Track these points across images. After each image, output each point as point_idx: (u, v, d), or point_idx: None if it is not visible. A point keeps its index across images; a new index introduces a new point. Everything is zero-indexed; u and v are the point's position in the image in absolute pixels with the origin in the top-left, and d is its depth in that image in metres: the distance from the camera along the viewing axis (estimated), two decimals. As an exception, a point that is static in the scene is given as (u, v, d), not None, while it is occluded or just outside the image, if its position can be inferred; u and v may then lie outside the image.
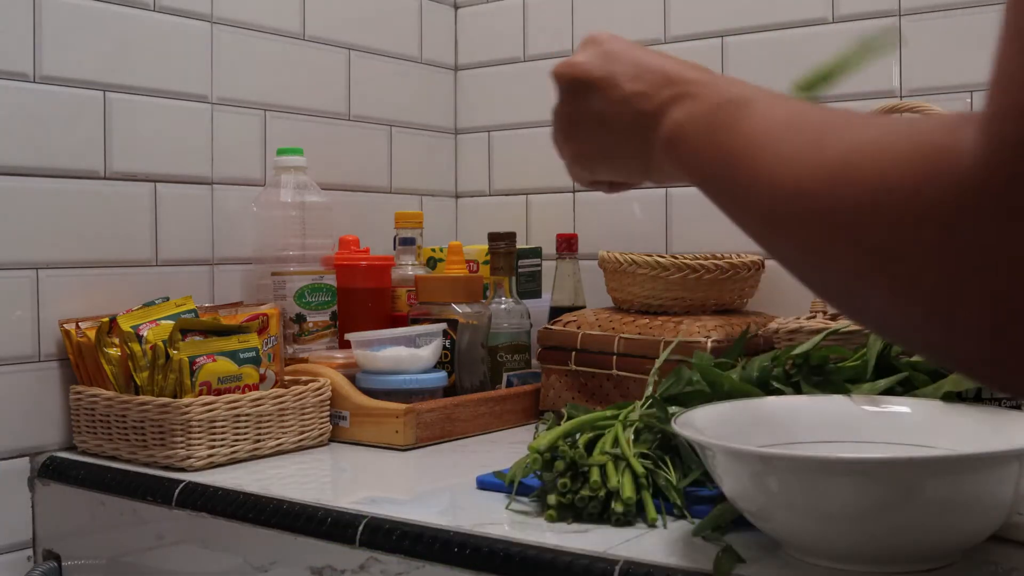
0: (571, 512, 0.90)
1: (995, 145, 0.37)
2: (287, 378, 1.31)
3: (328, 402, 1.28)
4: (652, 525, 0.87)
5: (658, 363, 1.09)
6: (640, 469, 0.90)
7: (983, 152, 0.37)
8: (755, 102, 0.54)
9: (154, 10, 1.38)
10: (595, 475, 0.89)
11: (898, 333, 0.44)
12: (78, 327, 1.25)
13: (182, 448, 1.13)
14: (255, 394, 1.20)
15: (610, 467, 0.90)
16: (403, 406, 1.24)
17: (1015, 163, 0.36)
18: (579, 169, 0.70)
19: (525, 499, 0.97)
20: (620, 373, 1.30)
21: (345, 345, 1.39)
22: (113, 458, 1.20)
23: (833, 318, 1.26)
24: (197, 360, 1.17)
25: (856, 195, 0.41)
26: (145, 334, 1.20)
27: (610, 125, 0.65)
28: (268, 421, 1.21)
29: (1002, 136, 0.36)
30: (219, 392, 1.18)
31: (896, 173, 0.40)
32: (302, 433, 1.24)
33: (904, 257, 0.40)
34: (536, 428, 1.02)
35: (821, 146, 0.45)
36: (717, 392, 0.98)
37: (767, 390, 0.99)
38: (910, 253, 0.39)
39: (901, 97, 1.42)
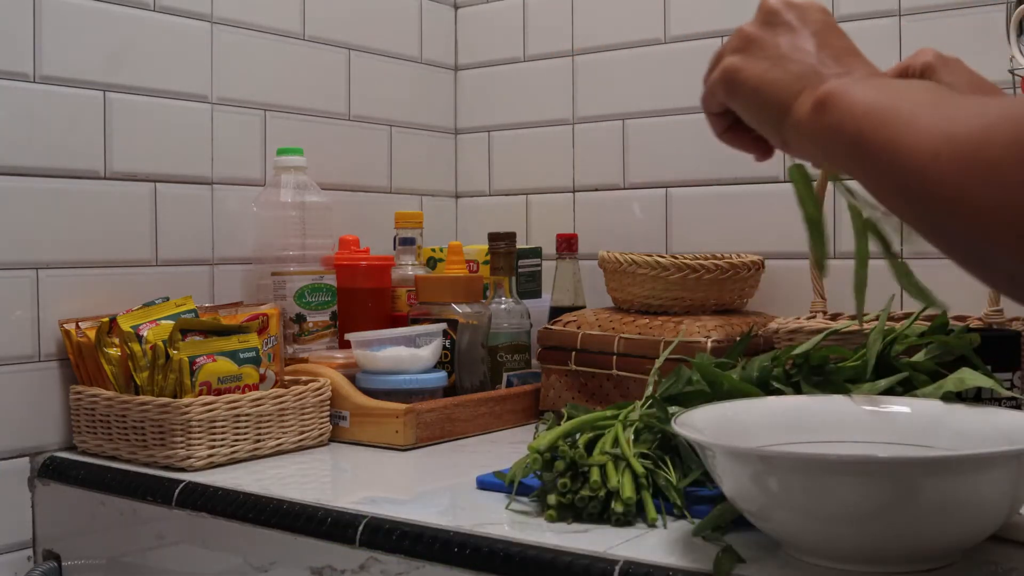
0: (571, 512, 0.90)
1: None
2: (287, 378, 1.31)
3: (328, 402, 1.28)
4: (652, 525, 0.87)
5: (658, 363, 1.09)
6: (640, 469, 0.90)
7: None
8: (919, 85, 0.60)
9: (154, 10, 1.38)
10: (595, 475, 0.89)
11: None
12: (78, 327, 1.25)
13: (182, 448, 1.13)
14: (255, 394, 1.20)
15: (610, 467, 0.90)
16: (403, 406, 1.24)
17: None
18: (722, 83, 0.71)
19: (525, 499, 0.97)
20: (620, 373, 1.31)
21: (345, 345, 1.39)
22: (113, 458, 1.20)
23: (833, 318, 1.26)
24: (197, 360, 1.17)
25: (1002, 136, 0.48)
26: (145, 334, 1.20)
27: (783, 62, 0.67)
28: (268, 421, 1.21)
29: None
30: (219, 392, 1.18)
31: None
32: (302, 433, 1.24)
33: None
34: (536, 428, 1.02)
35: (983, 107, 0.51)
36: (717, 392, 0.98)
37: (767, 390, 0.99)
38: None
39: (901, 97, 1.42)
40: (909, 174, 0.53)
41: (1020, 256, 0.48)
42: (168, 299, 1.28)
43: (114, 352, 1.22)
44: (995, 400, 0.95)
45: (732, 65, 0.70)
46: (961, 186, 0.49)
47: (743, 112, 0.70)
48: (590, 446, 0.93)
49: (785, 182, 1.50)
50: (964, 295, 1.21)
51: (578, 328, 1.37)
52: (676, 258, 1.34)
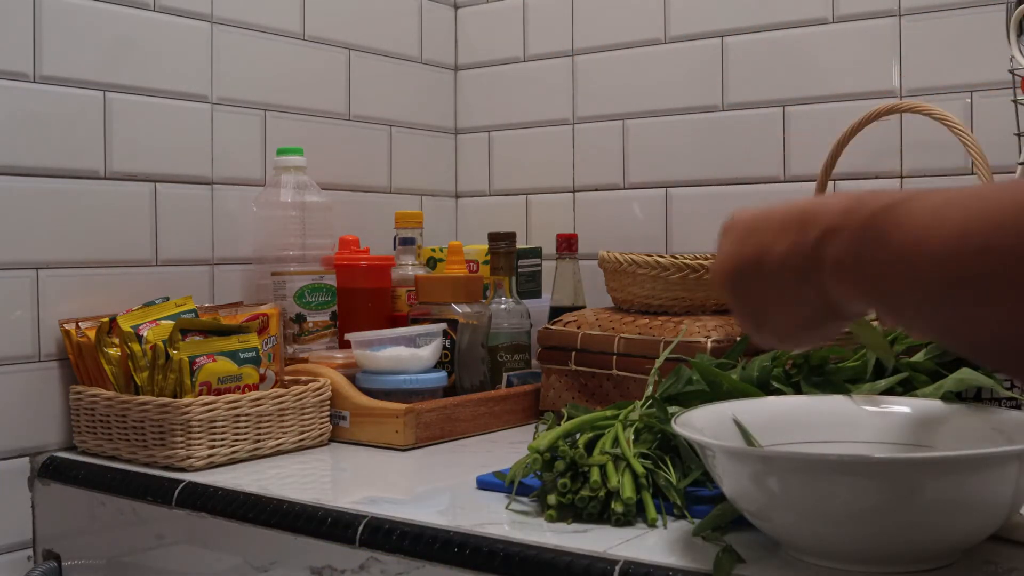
0: (571, 512, 0.90)
1: None
2: (287, 378, 1.31)
3: (328, 402, 1.28)
4: (652, 525, 0.87)
5: (658, 363, 1.09)
6: (640, 469, 0.90)
7: None
8: (898, 204, 0.54)
9: (154, 10, 1.38)
10: (595, 475, 0.89)
11: None
12: (78, 327, 1.25)
13: (182, 448, 1.13)
14: (255, 394, 1.20)
15: (610, 467, 0.90)
16: (403, 406, 1.24)
17: None
18: (764, 337, 0.68)
19: (525, 499, 0.97)
20: (620, 373, 1.30)
21: (345, 345, 1.39)
22: (113, 458, 1.20)
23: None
24: (197, 360, 1.17)
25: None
26: (145, 334, 1.20)
27: (781, 294, 0.63)
28: (268, 421, 1.21)
29: None
30: (219, 392, 1.18)
31: None
32: (302, 433, 1.24)
33: None
34: (536, 428, 1.02)
35: (988, 209, 0.48)
36: (717, 392, 0.98)
37: (767, 390, 0.99)
38: None
39: (901, 97, 1.42)
40: (953, 302, 0.50)
41: None
42: (168, 299, 1.28)
43: (114, 352, 1.22)
44: (995, 400, 0.95)
45: (769, 332, 0.67)
46: (1007, 277, 0.46)
47: (787, 316, 0.65)
48: (590, 446, 0.93)
49: (785, 182, 1.51)
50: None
51: (578, 328, 1.37)
52: (676, 258, 1.34)
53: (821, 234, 0.59)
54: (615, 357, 1.31)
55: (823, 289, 0.60)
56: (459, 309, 1.39)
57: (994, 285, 0.47)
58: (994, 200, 0.48)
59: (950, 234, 0.49)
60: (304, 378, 1.30)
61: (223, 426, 1.16)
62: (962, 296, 0.49)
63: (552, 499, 0.91)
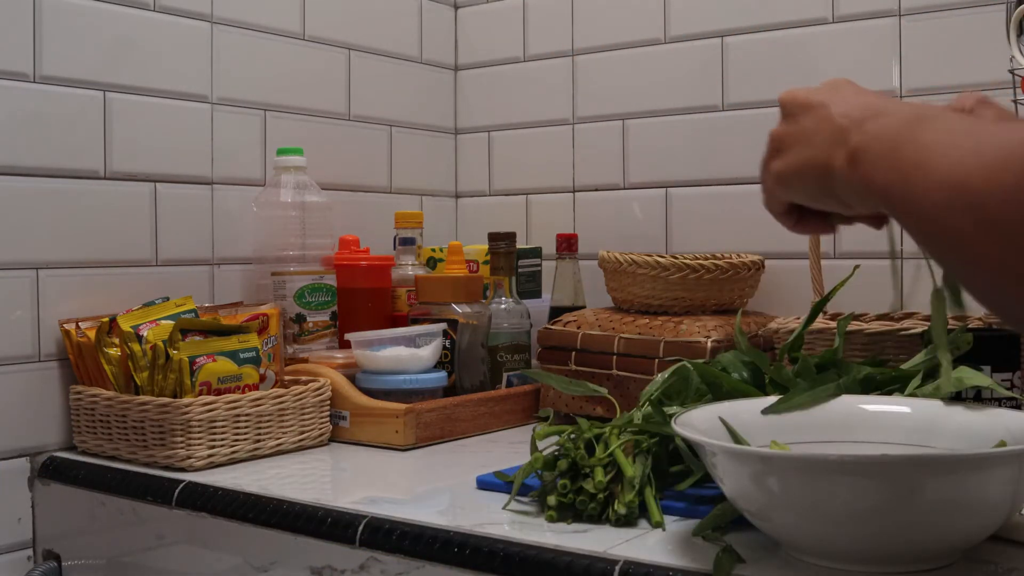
0: (571, 512, 0.90)
1: None
2: (287, 378, 1.31)
3: (328, 402, 1.28)
4: (656, 526, 0.87)
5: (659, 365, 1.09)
6: (640, 471, 0.90)
7: None
8: (937, 118, 0.57)
9: (154, 10, 1.38)
10: (599, 475, 0.89)
11: None
12: (78, 327, 1.25)
13: (182, 448, 1.13)
14: (255, 394, 1.20)
15: (612, 467, 0.90)
16: (403, 406, 1.24)
17: None
18: (775, 187, 0.72)
19: (525, 499, 0.97)
20: (620, 373, 1.30)
21: (345, 345, 1.39)
22: (113, 458, 1.20)
23: (833, 318, 1.26)
24: (197, 360, 1.17)
25: (1003, 188, 0.46)
26: (145, 334, 1.20)
27: (811, 139, 0.68)
28: (268, 421, 1.21)
29: None
30: (219, 392, 1.18)
31: None
32: (302, 433, 1.24)
33: None
34: (535, 429, 1.02)
35: (983, 145, 0.50)
36: (717, 392, 0.98)
37: (765, 390, 0.99)
38: None
39: (901, 97, 1.42)
40: (928, 225, 0.53)
41: None
42: (168, 299, 1.28)
43: (114, 352, 1.22)
44: (995, 400, 0.95)
45: (775, 169, 0.71)
46: (972, 238, 0.48)
47: (804, 199, 0.71)
48: (590, 447, 0.93)
49: (785, 182, 1.50)
50: (964, 296, 1.21)
51: (578, 328, 1.37)
52: (676, 258, 1.34)
53: (867, 115, 0.63)
54: (615, 357, 1.31)
55: (836, 159, 0.64)
56: (459, 309, 1.39)
57: (962, 223, 0.49)
58: (986, 139, 0.50)
59: (950, 161, 0.51)
60: (304, 378, 1.30)
61: (223, 426, 1.16)
62: (936, 223, 0.51)
63: (552, 499, 0.91)
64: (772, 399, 0.93)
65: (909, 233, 0.57)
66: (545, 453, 0.93)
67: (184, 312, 1.26)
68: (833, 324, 1.15)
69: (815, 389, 0.91)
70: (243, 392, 1.20)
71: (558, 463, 0.92)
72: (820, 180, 0.67)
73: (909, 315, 1.27)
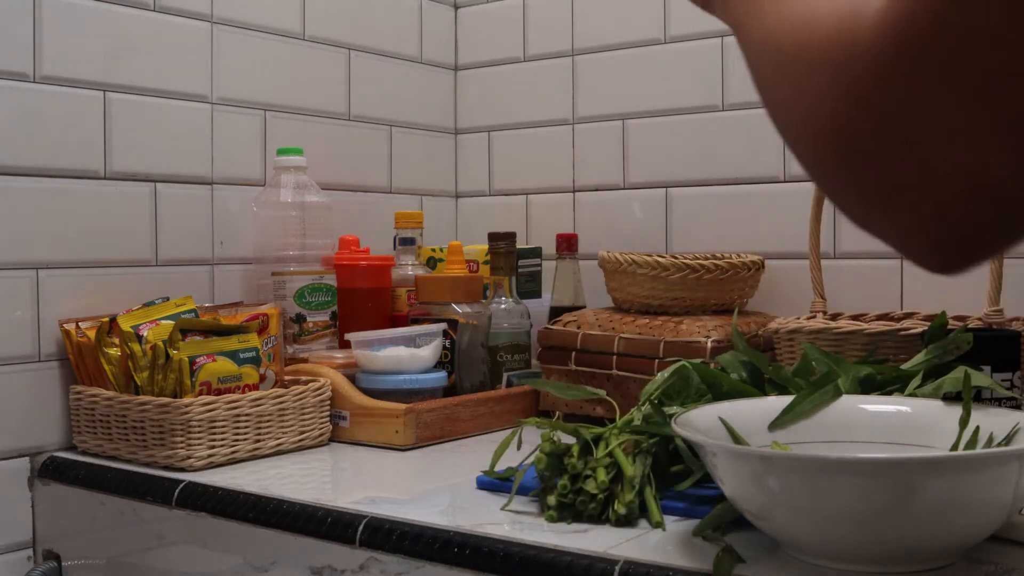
0: (571, 512, 0.90)
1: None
2: (287, 378, 1.31)
3: (328, 402, 1.28)
4: (657, 526, 0.87)
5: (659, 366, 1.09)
6: (640, 471, 0.90)
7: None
8: None
9: (154, 10, 1.38)
10: (601, 475, 0.89)
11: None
12: (78, 327, 1.25)
13: (182, 448, 1.13)
14: (255, 394, 1.20)
15: (613, 467, 0.90)
16: (403, 406, 1.24)
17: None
18: None
19: (525, 499, 0.97)
20: (620, 373, 1.31)
21: (345, 345, 1.39)
22: (113, 458, 1.20)
23: (833, 318, 1.26)
24: (197, 360, 1.17)
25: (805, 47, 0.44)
26: (145, 334, 1.20)
27: None
28: (268, 421, 1.21)
29: None
30: (219, 392, 1.18)
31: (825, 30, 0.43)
32: (302, 433, 1.24)
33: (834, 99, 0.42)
34: (519, 432, 1.02)
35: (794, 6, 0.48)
36: (717, 392, 0.98)
37: (765, 390, 0.99)
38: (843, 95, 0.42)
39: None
40: (775, 69, 0.50)
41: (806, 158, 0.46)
42: (168, 299, 1.28)
43: (114, 352, 1.22)
44: (995, 400, 0.95)
45: None
46: (772, 80, 0.47)
47: None
48: (591, 447, 0.93)
49: (785, 182, 1.50)
50: (964, 295, 1.21)
51: (578, 328, 1.37)
52: (676, 258, 1.34)
53: None
54: (615, 357, 1.31)
55: None
56: (459, 309, 1.39)
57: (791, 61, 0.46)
58: None
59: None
60: (304, 378, 1.30)
61: (223, 426, 1.16)
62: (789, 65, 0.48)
63: (552, 499, 0.91)
64: (772, 399, 0.94)
65: (752, 75, 0.54)
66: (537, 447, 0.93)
67: (184, 312, 1.26)
68: (833, 324, 1.15)
69: (815, 394, 0.91)
70: (243, 392, 1.20)
71: (566, 459, 0.91)
72: None
73: (909, 315, 1.27)
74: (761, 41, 0.50)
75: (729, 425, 0.87)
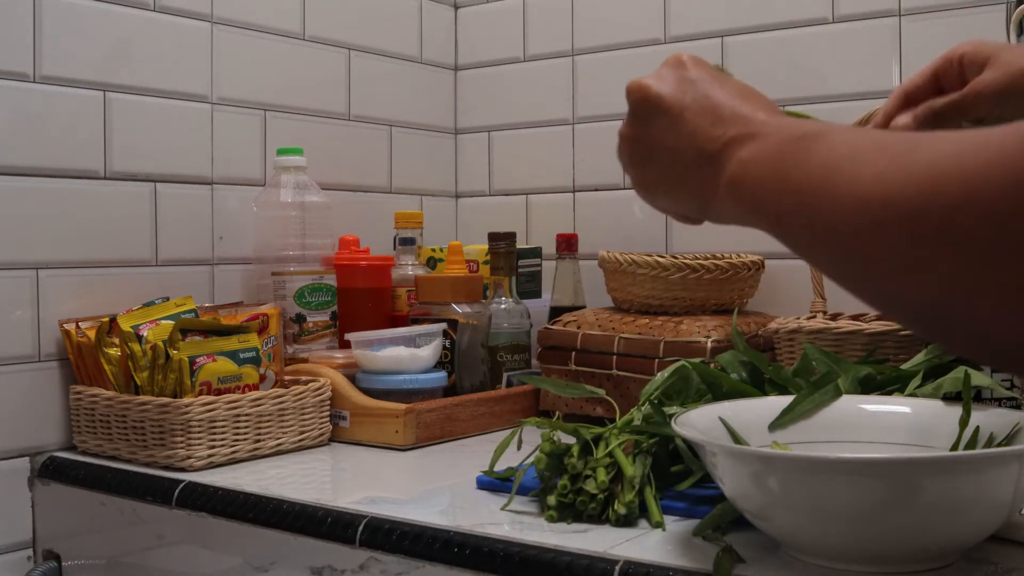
0: (571, 512, 0.90)
1: None
2: (287, 378, 1.31)
3: (328, 402, 1.28)
4: (655, 526, 0.87)
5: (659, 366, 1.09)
6: (640, 471, 0.90)
7: None
8: (825, 134, 0.53)
9: (154, 10, 1.38)
10: (601, 476, 0.89)
11: (973, 330, 0.46)
12: (78, 327, 1.25)
13: (182, 448, 1.13)
14: (255, 394, 1.20)
15: (613, 467, 0.90)
16: (403, 406, 1.24)
17: None
18: (641, 194, 0.68)
19: (525, 499, 0.97)
20: (620, 373, 1.30)
21: (345, 345, 1.39)
22: (113, 458, 1.20)
23: (833, 318, 1.26)
24: (197, 360, 1.17)
25: (946, 198, 0.43)
26: (145, 334, 1.20)
27: (672, 157, 0.63)
28: (268, 421, 1.21)
29: None
30: (219, 392, 1.18)
31: (981, 173, 0.42)
32: (302, 433, 1.24)
33: (992, 252, 0.42)
34: (519, 432, 1.02)
35: (907, 159, 0.46)
36: (717, 392, 0.98)
37: (764, 390, 0.99)
38: (998, 247, 0.41)
39: (901, 97, 1.42)
40: (841, 245, 0.49)
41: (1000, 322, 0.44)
42: (168, 299, 1.28)
43: (114, 352, 1.22)
44: (995, 400, 0.95)
45: (637, 178, 0.67)
46: (910, 253, 0.45)
47: (673, 213, 0.67)
48: (591, 448, 0.93)
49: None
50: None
51: (578, 328, 1.37)
52: (676, 258, 1.34)
53: (736, 136, 0.58)
54: (615, 357, 1.31)
55: (708, 187, 0.60)
56: (459, 309, 1.39)
57: (897, 240, 0.46)
58: (908, 154, 0.47)
59: (866, 179, 0.48)
60: (304, 378, 1.30)
61: (223, 426, 1.16)
62: (863, 244, 0.48)
63: (552, 499, 0.91)
64: (772, 399, 0.94)
65: (803, 254, 0.53)
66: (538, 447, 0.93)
67: (184, 312, 1.26)
68: (834, 324, 1.15)
69: (815, 394, 0.91)
70: (243, 392, 1.20)
71: (567, 460, 0.91)
72: (695, 204, 0.63)
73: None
74: (864, 215, 0.47)
75: (729, 425, 0.87)
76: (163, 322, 1.22)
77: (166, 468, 1.15)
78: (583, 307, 1.50)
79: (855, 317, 1.25)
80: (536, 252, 1.64)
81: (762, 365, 1.00)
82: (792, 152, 0.54)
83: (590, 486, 0.89)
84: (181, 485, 1.09)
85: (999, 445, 0.81)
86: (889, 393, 0.96)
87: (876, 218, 0.46)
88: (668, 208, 0.67)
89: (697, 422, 0.85)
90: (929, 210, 0.44)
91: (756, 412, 0.91)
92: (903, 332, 1.11)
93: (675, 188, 0.64)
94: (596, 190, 1.70)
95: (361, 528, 0.94)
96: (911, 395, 0.94)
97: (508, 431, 1.02)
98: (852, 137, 0.52)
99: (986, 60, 0.82)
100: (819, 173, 0.51)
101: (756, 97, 0.62)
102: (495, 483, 1.02)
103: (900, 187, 0.45)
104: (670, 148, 0.63)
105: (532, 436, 1.00)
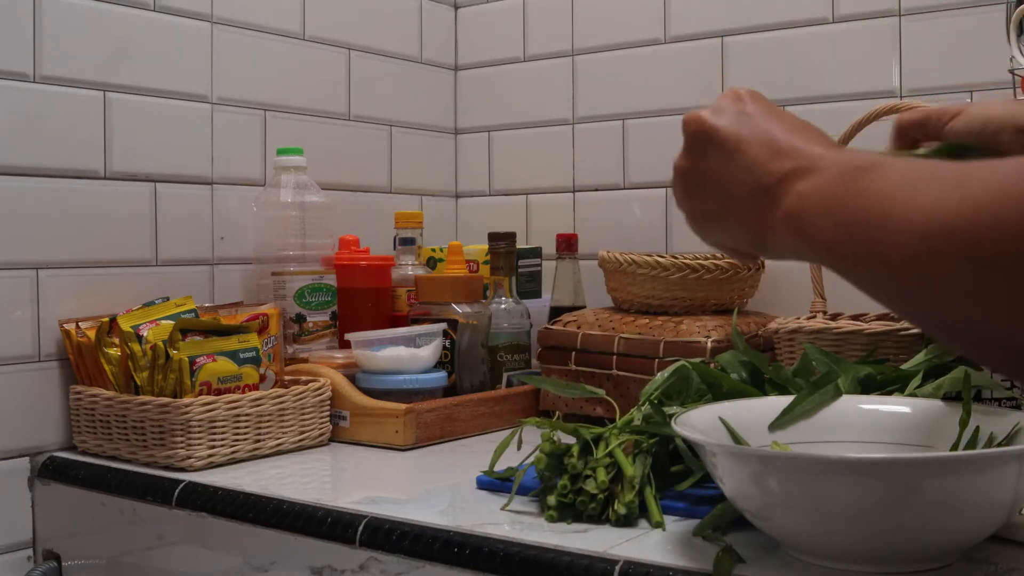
0: (571, 512, 0.90)
1: None
2: (287, 378, 1.31)
3: (328, 402, 1.28)
4: (655, 526, 0.87)
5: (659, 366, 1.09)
6: (640, 471, 0.90)
7: None
8: (881, 165, 0.54)
9: (154, 10, 1.38)
10: (601, 476, 0.89)
11: None
12: (78, 327, 1.25)
13: (182, 448, 1.13)
14: (255, 394, 1.20)
15: (613, 467, 0.90)
16: (403, 406, 1.24)
17: None
18: (693, 226, 0.68)
19: (525, 499, 0.97)
20: (620, 373, 1.30)
21: (345, 345, 1.39)
22: (113, 458, 1.20)
23: (833, 318, 1.26)
24: (197, 360, 1.17)
25: (1006, 225, 0.43)
26: (145, 334, 1.20)
27: (728, 190, 0.63)
28: (268, 421, 1.21)
29: None
30: (219, 392, 1.18)
31: None
32: (302, 433, 1.24)
33: None
34: (519, 432, 1.02)
35: (965, 187, 0.46)
36: (717, 392, 0.98)
37: (765, 390, 0.99)
38: None
39: (901, 97, 1.42)
40: (902, 274, 0.49)
41: None
42: (168, 299, 1.28)
43: (114, 352, 1.22)
44: (995, 400, 0.95)
45: (691, 210, 0.67)
46: (971, 279, 0.45)
47: (727, 248, 0.67)
48: (591, 448, 0.93)
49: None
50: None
51: (578, 328, 1.37)
52: (676, 258, 1.34)
53: (793, 169, 0.59)
54: (615, 357, 1.31)
55: (764, 221, 0.60)
56: (459, 309, 1.39)
57: (956, 266, 0.46)
58: (964, 181, 0.47)
59: (923, 207, 0.48)
60: (304, 378, 1.30)
61: (223, 426, 1.16)
62: (921, 271, 0.48)
63: (552, 499, 0.91)
64: (772, 399, 0.94)
65: (860, 284, 0.54)
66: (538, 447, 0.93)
67: (184, 312, 1.26)
68: (834, 324, 1.15)
69: (815, 394, 0.91)
70: (243, 392, 1.20)
71: (567, 460, 0.91)
72: (750, 237, 0.63)
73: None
74: (925, 242, 0.48)
75: (729, 425, 0.87)
76: (163, 322, 1.22)
77: (166, 468, 1.15)
78: (583, 307, 1.50)
79: (855, 317, 1.25)
80: (536, 252, 1.64)
81: (762, 365, 1.00)
82: (848, 183, 0.54)
83: (590, 486, 0.89)
84: (181, 485, 1.09)
85: (999, 445, 0.82)
86: (889, 393, 0.96)
87: (934, 245, 0.47)
88: (721, 241, 0.67)
89: (697, 422, 0.85)
90: (989, 236, 0.44)
91: (756, 412, 0.91)
92: (903, 332, 1.11)
93: (730, 221, 0.64)
94: (596, 190, 1.70)
95: (361, 528, 0.94)
96: (911, 395, 0.94)
97: (508, 431, 1.02)
98: (908, 167, 0.52)
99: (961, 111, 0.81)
100: (875, 202, 0.51)
101: (812, 131, 0.63)
102: (495, 483, 1.02)
103: (956, 213, 0.46)
104: (726, 181, 0.63)
105: (532, 436, 1.00)
